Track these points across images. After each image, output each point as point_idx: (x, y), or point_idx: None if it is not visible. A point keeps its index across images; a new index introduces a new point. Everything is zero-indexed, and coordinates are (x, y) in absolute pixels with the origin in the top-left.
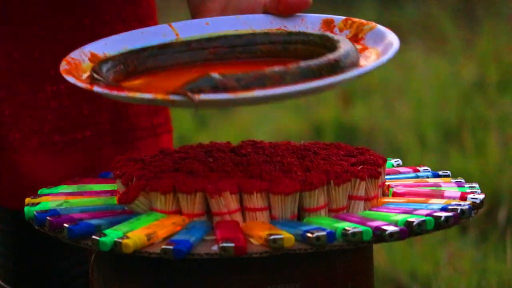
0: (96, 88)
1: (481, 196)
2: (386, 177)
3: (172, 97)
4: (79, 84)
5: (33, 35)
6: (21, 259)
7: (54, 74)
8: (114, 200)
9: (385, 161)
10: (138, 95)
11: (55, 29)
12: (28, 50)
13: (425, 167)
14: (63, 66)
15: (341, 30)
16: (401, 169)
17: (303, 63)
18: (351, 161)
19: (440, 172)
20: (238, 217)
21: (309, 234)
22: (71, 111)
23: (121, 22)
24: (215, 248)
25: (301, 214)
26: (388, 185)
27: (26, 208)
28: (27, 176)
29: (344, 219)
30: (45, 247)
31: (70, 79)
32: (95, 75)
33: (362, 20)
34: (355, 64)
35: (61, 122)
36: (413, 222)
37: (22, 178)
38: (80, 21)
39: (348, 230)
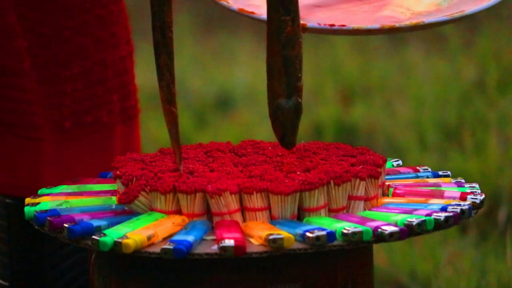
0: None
1: (481, 196)
2: (386, 177)
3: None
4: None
5: (40, 23)
6: (17, 254)
7: (67, 59)
8: (114, 200)
9: (385, 161)
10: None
11: (60, 15)
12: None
13: (425, 167)
14: None
15: None
16: (401, 169)
17: None
18: (351, 161)
19: (440, 172)
20: (238, 217)
21: (309, 234)
22: (85, 93)
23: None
24: (215, 248)
25: (301, 214)
26: (388, 185)
27: (26, 208)
28: (48, 166)
29: (344, 219)
30: (38, 240)
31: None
32: None
33: None
34: None
35: (77, 105)
36: (413, 222)
37: (43, 168)
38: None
39: (348, 230)
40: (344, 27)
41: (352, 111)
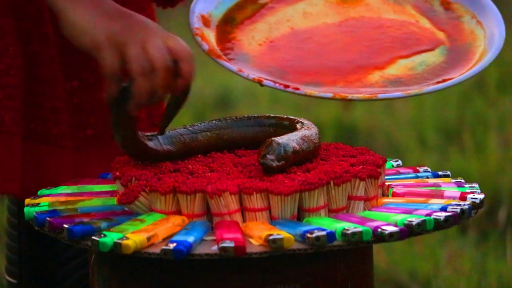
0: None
1: (481, 196)
2: (386, 177)
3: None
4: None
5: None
6: (26, 251)
7: (94, 66)
8: (114, 200)
9: (384, 161)
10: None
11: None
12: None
13: (425, 167)
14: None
15: None
16: (401, 169)
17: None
18: (350, 162)
19: (440, 172)
20: (238, 217)
21: (308, 235)
22: None
23: None
24: (215, 248)
25: (301, 214)
26: (388, 185)
27: (26, 209)
28: (68, 173)
29: (344, 219)
30: (48, 238)
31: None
32: None
33: None
34: None
35: (104, 111)
36: (413, 222)
37: (63, 175)
38: None
39: (348, 230)
40: (297, 91)
41: (352, 111)
